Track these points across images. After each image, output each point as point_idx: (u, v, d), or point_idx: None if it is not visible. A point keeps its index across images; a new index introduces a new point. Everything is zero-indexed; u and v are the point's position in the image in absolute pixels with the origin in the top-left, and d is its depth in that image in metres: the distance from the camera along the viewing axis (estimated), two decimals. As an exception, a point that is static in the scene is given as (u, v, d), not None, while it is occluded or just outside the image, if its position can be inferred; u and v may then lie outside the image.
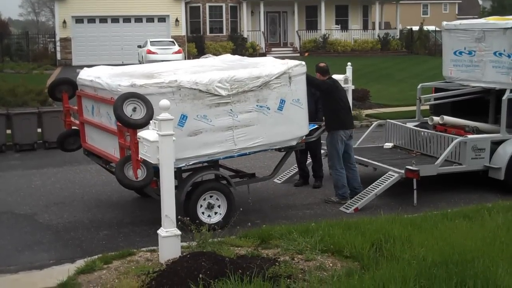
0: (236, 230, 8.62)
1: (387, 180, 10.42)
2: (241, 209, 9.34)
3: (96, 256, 7.51)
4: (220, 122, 8.97)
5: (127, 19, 41.39)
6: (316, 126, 10.90)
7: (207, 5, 44.50)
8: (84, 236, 8.90)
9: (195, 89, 8.71)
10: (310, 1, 44.93)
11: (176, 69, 9.62)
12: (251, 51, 41.45)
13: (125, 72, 9.51)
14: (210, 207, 9.14)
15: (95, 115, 9.48)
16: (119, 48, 40.38)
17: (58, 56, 40.12)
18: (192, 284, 6.02)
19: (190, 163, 8.98)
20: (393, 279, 5.91)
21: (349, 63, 20.21)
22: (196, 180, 9.17)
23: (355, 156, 11.67)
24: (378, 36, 45.41)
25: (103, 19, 41.05)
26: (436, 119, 12.39)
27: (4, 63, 35.07)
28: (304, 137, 10.15)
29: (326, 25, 44.56)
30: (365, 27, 46.99)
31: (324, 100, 10.78)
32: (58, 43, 40.43)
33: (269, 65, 9.75)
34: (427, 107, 14.09)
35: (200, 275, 6.08)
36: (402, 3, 52.24)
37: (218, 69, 9.64)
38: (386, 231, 7.58)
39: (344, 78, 19.88)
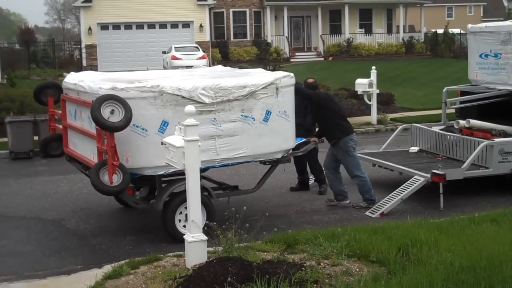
0: (262, 235, 8.64)
1: (413, 185, 10.36)
2: (266, 213, 9.38)
3: (123, 262, 7.55)
4: (202, 130, 8.45)
5: (151, 25, 41.69)
6: (304, 140, 10.63)
7: (231, 10, 44.64)
8: (111, 241, 8.96)
9: (177, 95, 8.53)
10: (334, 5, 44.88)
11: (165, 77, 9.51)
12: (275, 56, 41.45)
13: (111, 78, 9.37)
14: None
15: (77, 119, 9.38)
16: (144, 54, 40.67)
17: (84, 63, 40.48)
18: (219, 289, 6.05)
19: (170, 171, 8.52)
20: (420, 284, 5.89)
21: (373, 67, 20.31)
22: (174, 190, 8.84)
23: (380, 160, 11.67)
24: (403, 39, 45.20)
25: (128, 26, 41.38)
26: (462, 122, 12.30)
27: (31, 70, 35.49)
28: (290, 151, 9.94)
29: (350, 29, 44.44)
30: (389, 31, 46.82)
31: (319, 112, 10.60)
32: (83, 50, 40.83)
33: (257, 75, 9.56)
34: (453, 111, 14.00)
35: (227, 280, 6.10)
36: (427, 6, 51.99)
37: (207, 77, 9.43)
38: (413, 236, 7.55)
39: (369, 82, 19.99)
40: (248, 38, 44.73)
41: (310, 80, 11.01)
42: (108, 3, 40.56)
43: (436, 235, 7.69)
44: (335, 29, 45.60)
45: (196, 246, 7.11)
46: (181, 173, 8.72)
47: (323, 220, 9.85)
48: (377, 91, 20.48)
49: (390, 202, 10.16)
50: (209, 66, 37.70)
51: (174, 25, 42.22)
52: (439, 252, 7.00)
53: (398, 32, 46.62)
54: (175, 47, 36.70)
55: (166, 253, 7.89)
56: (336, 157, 10.57)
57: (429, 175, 10.32)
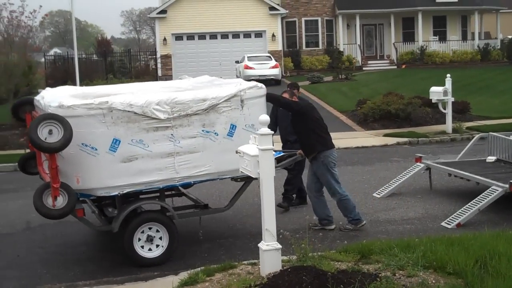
0: (336, 244, 8.64)
1: (490, 195, 10.14)
2: (340, 223, 9.36)
3: (198, 269, 7.65)
4: (158, 147, 8.23)
5: (224, 35, 42.18)
6: (283, 153, 10.13)
7: (303, 19, 44.74)
8: (187, 248, 9.08)
9: (129, 111, 8.02)
10: (407, 13, 44.37)
11: (138, 90, 9.00)
12: (347, 64, 41.31)
13: (79, 94, 8.77)
14: (149, 239, 8.44)
15: None
16: (218, 63, 41.19)
17: (159, 73, 41.27)
18: (294, 298, 6.07)
19: (124, 192, 8.19)
20: (499, 297, 5.77)
21: (448, 75, 19.99)
22: (130, 210, 8.40)
23: (456, 170, 11.45)
24: (478, 46, 44.27)
25: (201, 36, 42.01)
26: (542, 131, 11.97)
27: (108, 80, 36.37)
28: None
29: (424, 36, 43.85)
30: (464, 38, 45.97)
31: (299, 122, 9.75)
32: (159, 60, 41.64)
33: (225, 87, 8.96)
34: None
35: (302, 289, 6.13)
36: (503, 12, 50.73)
37: (175, 90, 8.97)
38: (491, 248, 7.38)
39: (444, 90, 19.69)
40: (320, 47, 44.71)
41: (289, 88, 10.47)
42: (183, 14, 41.32)
43: (515, 247, 7.50)
44: (408, 36, 45.08)
45: (270, 255, 7.15)
46: (138, 193, 8.58)
47: (398, 230, 9.74)
48: (452, 99, 20.13)
49: (467, 212, 9.96)
50: (282, 75, 38.00)
51: (247, 34, 42.59)
52: (518, 265, 6.84)
53: (473, 39, 45.69)
54: (248, 57, 37.02)
55: (241, 261, 7.96)
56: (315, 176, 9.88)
57: (507, 185, 10.08)
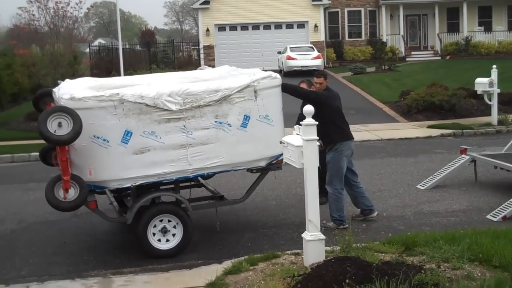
0: (380, 236, 8.61)
1: (537, 188, 9.98)
2: (384, 214, 9.31)
3: (242, 258, 7.73)
4: (171, 139, 8.17)
5: (267, 26, 42.21)
6: None
7: (346, 10, 44.49)
8: (230, 237, 9.16)
9: (140, 103, 7.98)
10: (452, 3, 43.74)
11: (155, 81, 9.03)
12: (390, 55, 40.97)
13: (96, 85, 8.84)
14: (163, 231, 8.39)
15: None
16: (260, 54, 41.25)
17: (202, 63, 41.43)
18: (337, 288, 6.07)
19: (137, 183, 8.18)
20: (547, 291, 5.69)
21: (494, 66, 19.66)
22: (143, 202, 8.35)
23: (502, 162, 11.29)
24: (525, 37, 43.46)
25: (244, 27, 42.12)
26: None
27: (151, 70, 36.60)
28: (281, 157, 8.79)
29: (469, 27, 43.19)
30: (510, 28, 45.06)
31: (317, 113, 9.13)
32: (201, 51, 41.89)
33: (239, 78, 8.81)
34: None
35: (346, 280, 6.13)
36: (551, 2, 49.66)
37: (190, 81, 8.90)
38: (538, 241, 7.29)
39: (489, 81, 19.38)
40: (363, 38, 44.42)
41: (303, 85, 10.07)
42: (225, 5, 41.46)
43: None
44: (453, 27, 44.46)
45: (314, 245, 7.16)
46: (152, 185, 8.51)
47: (442, 222, 9.65)
48: (498, 90, 19.80)
49: (513, 205, 9.83)
50: (324, 65, 37.86)
51: (289, 25, 42.53)
52: None
53: (520, 29, 44.86)
54: (290, 47, 36.97)
55: (284, 251, 8.00)
56: (350, 167, 9.64)
57: (555, 179, 9.92)
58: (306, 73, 34.96)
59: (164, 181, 8.46)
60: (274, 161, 9.01)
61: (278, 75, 8.93)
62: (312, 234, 7.19)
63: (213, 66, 41.30)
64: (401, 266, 6.56)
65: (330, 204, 9.43)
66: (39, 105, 9.48)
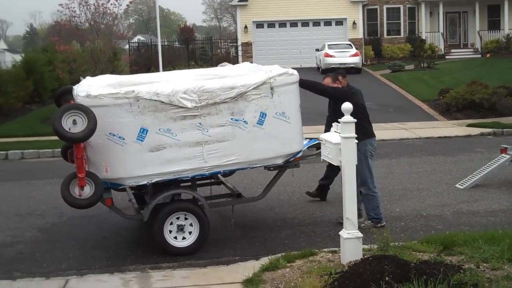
0: (418, 235, 8.55)
1: None
2: (422, 213, 9.22)
3: (279, 255, 7.73)
4: (186, 136, 8.10)
5: (305, 23, 42.13)
6: (317, 141, 9.49)
7: (385, 7, 44.16)
8: (267, 234, 9.18)
9: (156, 100, 7.93)
10: (493, 0, 43.08)
11: (174, 79, 9.05)
12: (430, 53, 40.57)
13: (116, 82, 8.88)
14: (180, 229, 8.38)
15: None
16: (298, 51, 41.21)
17: (240, 60, 41.49)
18: (375, 287, 6.04)
19: (153, 181, 8.16)
20: None
21: (537, 65, 19.36)
22: (159, 201, 8.35)
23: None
24: None
25: (282, 24, 42.11)
26: None
27: (190, 67, 36.89)
28: (299, 155, 8.92)
29: (510, 24, 42.51)
30: (552, 26, 44.31)
31: (339, 109, 8.95)
32: (239, 48, 41.98)
33: (256, 75, 8.71)
34: None
35: (384, 279, 6.10)
36: None
37: (211, 78, 8.91)
38: None
39: (532, 80, 19.07)
40: (402, 35, 44.04)
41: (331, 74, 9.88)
42: (264, 1, 41.54)
43: None
44: (494, 24, 43.78)
45: (351, 243, 7.14)
46: (170, 182, 8.46)
47: (481, 222, 9.54)
48: (541, 89, 19.49)
49: (555, 206, 9.67)
50: (362, 63, 37.66)
51: (327, 22, 42.39)
52: None
53: None
54: (328, 45, 36.83)
55: (321, 249, 7.99)
56: None
57: None
58: (344, 70, 34.80)
59: (180, 179, 8.43)
60: (292, 159, 8.91)
61: (295, 72, 8.81)
62: (350, 232, 7.17)
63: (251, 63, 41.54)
64: (439, 266, 6.50)
65: (366, 203, 9.32)
66: (61, 102, 9.44)
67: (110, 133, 7.84)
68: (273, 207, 10.57)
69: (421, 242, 7.85)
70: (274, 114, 8.52)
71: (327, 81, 9.70)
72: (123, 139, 7.88)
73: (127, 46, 45.08)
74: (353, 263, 6.89)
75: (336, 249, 7.73)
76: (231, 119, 8.30)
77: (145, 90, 7.97)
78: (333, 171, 10.48)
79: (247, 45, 41.88)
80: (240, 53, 41.99)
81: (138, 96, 7.89)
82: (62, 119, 7.56)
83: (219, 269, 7.75)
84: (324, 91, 9.41)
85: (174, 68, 29.29)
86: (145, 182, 8.15)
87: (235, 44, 43.86)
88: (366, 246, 7.46)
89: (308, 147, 9.72)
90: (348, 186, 7.21)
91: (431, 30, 43.75)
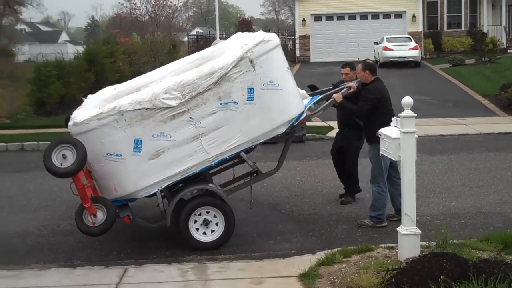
0: (477, 232, 8.42)
1: None
2: (482, 211, 9.07)
3: (336, 249, 7.73)
4: (181, 135, 8.00)
5: (364, 16, 41.75)
6: (320, 97, 9.37)
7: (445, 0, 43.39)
8: (324, 228, 9.16)
9: (140, 109, 7.82)
10: (558, -8, 41.99)
11: (169, 72, 8.98)
12: (491, 47, 39.64)
13: (113, 95, 8.76)
14: (205, 223, 8.33)
15: None
16: (356, 44, 40.85)
17: (297, 53, 41.53)
18: (433, 285, 5.97)
19: (163, 186, 8.14)
20: None
21: None
22: (183, 198, 8.35)
23: None
24: None
25: (340, 17, 41.81)
26: None
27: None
28: (302, 116, 8.64)
29: None
30: None
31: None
32: (297, 41, 41.87)
33: (231, 52, 8.29)
34: None
35: (442, 276, 6.03)
36: None
37: (198, 64, 8.66)
38: None
39: None
40: (463, 28, 43.18)
41: (370, 61, 9.55)
42: (322, -6, 41.30)
43: None
44: (560, 17, 42.68)
45: (409, 240, 7.09)
46: (178, 181, 8.35)
47: (544, 221, 9.33)
48: None
49: None
50: (421, 57, 37.13)
51: (387, 15, 41.91)
52: None
53: None
54: (387, 38, 36.43)
55: (378, 244, 7.95)
56: (393, 163, 8.98)
57: None
58: (402, 64, 34.44)
59: (189, 176, 8.31)
60: (295, 123, 8.65)
61: (271, 36, 8.51)
62: (408, 229, 7.12)
63: (308, 57, 41.31)
64: (499, 265, 6.40)
65: (374, 201, 9.17)
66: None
67: (107, 154, 7.88)
68: (329, 201, 10.54)
69: (480, 240, 7.74)
70: (261, 86, 8.21)
71: (346, 71, 9.88)
72: (121, 155, 7.89)
73: (185, 39, 45.48)
74: (411, 260, 6.84)
75: (393, 245, 7.68)
76: (220, 104, 8.08)
77: (127, 102, 7.91)
78: (339, 166, 10.45)
79: (305, 38, 41.73)
80: (297, 46, 41.89)
81: (122, 110, 7.82)
82: (52, 156, 7.67)
83: (275, 262, 7.79)
84: (350, 113, 9.39)
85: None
86: (156, 190, 8.16)
87: (293, 37, 43.74)
88: (424, 243, 7.39)
89: (314, 103, 9.37)
90: (407, 182, 7.15)
91: (493, 23, 42.80)
